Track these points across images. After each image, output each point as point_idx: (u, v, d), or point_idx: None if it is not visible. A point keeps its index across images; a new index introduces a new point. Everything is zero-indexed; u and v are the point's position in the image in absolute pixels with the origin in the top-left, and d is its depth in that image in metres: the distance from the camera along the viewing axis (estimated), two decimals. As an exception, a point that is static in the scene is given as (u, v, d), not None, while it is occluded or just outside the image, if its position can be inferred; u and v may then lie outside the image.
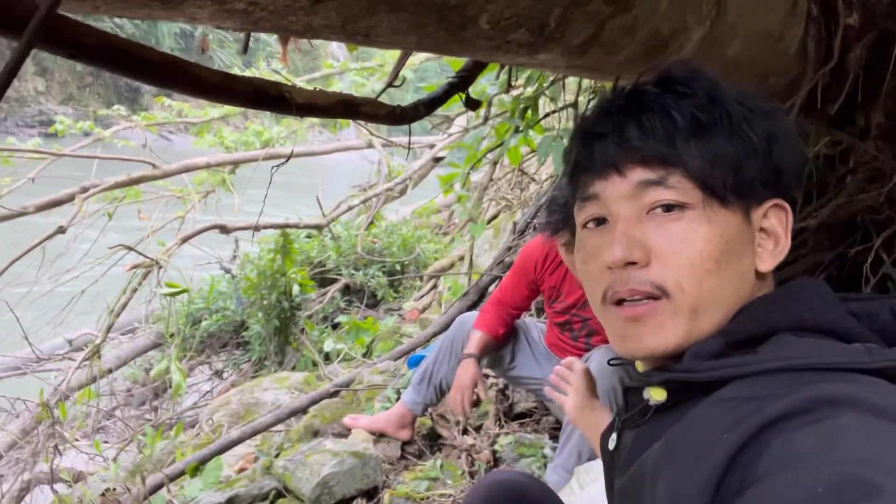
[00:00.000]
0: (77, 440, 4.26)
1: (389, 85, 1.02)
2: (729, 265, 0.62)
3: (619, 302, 0.65)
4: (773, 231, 0.65)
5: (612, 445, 0.74)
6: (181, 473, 2.13)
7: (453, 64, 2.83)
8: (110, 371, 4.31)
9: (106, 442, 4.60)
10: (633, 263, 0.63)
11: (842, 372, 0.53)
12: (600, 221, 0.67)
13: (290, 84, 0.73)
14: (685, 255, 0.61)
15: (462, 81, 1.06)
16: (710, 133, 0.62)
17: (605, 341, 1.87)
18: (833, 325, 0.60)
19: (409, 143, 1.30)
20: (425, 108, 0.98)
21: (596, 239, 0.67)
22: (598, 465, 1.66)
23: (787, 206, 0.65)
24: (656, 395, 0.64)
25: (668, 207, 0.62)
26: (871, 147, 1.99)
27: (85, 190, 4.40)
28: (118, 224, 5.84)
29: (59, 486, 2.68)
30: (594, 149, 0.66)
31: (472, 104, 1.11)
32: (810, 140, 2.12)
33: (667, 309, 0.62)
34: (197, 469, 2.15)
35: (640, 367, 0.76)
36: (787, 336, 0.59)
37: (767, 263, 0.65)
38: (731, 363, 0.58)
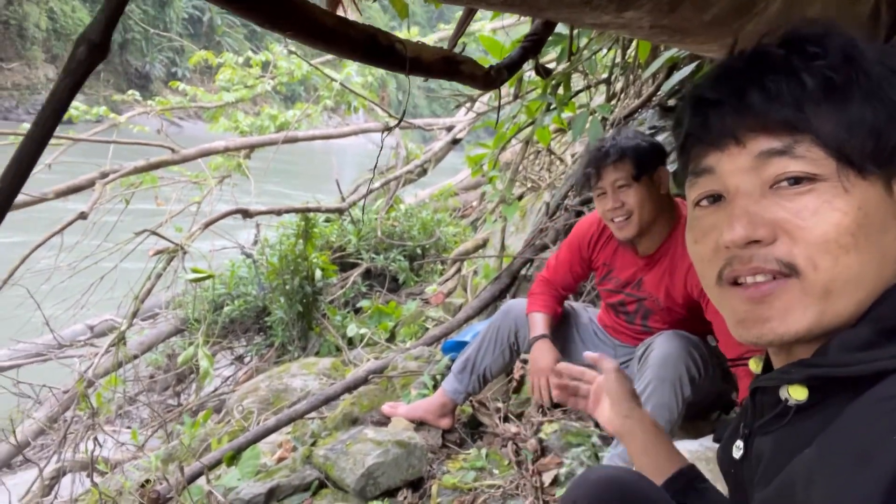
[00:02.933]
0: (100, 426, 4.26)
1: (451, 48, 0.93)
2: (869, 241, 0.55)
3: (738, 282, 0.58)
4: None
5: (737, 454, 0.66)
6: (218, 462, 2.09)
7: (486, 41, 2.73)
8: (136, 357, 4.29)
9: (129, 427, 4.60)
10: (757, 242, 0.56)
11: None
12: (715, 198, 0.60)
13: (398, 37, 0.64)
14: (818, 230, 0.54)
15: (534, 45, 0.98)
16: (846, 96, 0.55)
17: (665, 323, 1.79)
18: None
19: (498, 114, 1.21)
20: (507, 70, 0.90)
21: (711, 217, 0.60)
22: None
23: None
24: (796, 394, 0.56)
25: (796, 180, 0.55)
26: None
27: (105, 175, 4.35)
28: (135, 209, 5.80)
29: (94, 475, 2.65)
30: (709, 117, 0.59)
31: (544, 71, 1.02)
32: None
33: (795, 288, 0.55)
34: (233, 458, 2.10)
35: (754, 365, 0.69)
36: None
37: None
38: (890, 354, 0.51)
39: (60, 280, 4.94)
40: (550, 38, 2.55)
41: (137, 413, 4.81)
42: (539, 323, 1.91)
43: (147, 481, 1.97)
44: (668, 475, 0.90)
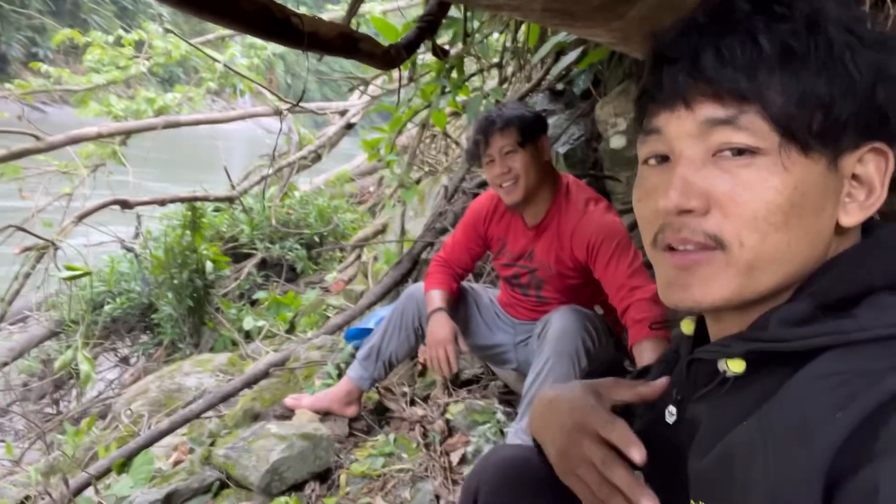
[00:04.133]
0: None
1: (347, 24, 0.90)
2: (801, 220, 0.55)
3: (671, 248, 0.59)
4: (868, 179, 0.56)
5: (670, 419, 0.67)
6: (107, 471, 1.95)
7: (378, 24, 2.69)
8: (5, 364, 3.90)
9: (2, 441, 4.20)
10: (690, 212, 0.56)
11: None
12: (662, 159, 0.60)
13: (294, 10, 0.60)
14: (749, 206, 0.54)
15: (429, 25, 0.96)
16: (802, 65, 0.53)
17: (557, 291, 1.87)
18: None
19: (400, 87, 1.18)
20: (405, 50, 0.88)
21: (655, 177, 0.61)
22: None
23: (890, 151, 0.56)
24: (734, 366, 0.57)
25: (738, 151, 0.55)
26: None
27: (-44, 166, 3.90)
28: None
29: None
30: (663, 75, 0.58)
31: (441, 52, 1.01)
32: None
33: (719, 260, 0.56)
34: (124, 465, 1.97)
35: (686, 327, 0.69)
36: (887, 296, 0.52)
37: (854, 217, 0.57)
38: (828, 329, 0.51)
39: None
40: (445, 20, 2.56)
41: (11, 425, 4.40)
42: (436, 298, 1.93)
43: (27, 498, 1.80)
44: None
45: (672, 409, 0.67)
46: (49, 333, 4.52)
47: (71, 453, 1.92)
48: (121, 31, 6.85)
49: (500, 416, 2.03)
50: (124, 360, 4.95)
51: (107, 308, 4.53)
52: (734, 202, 0.55)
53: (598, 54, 2.52)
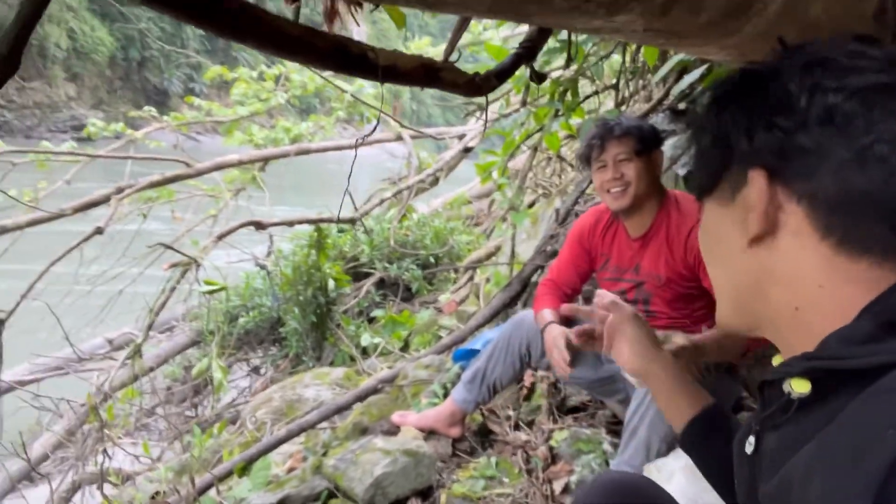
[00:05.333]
0: (120, 438, 4.30)
1: (446, 59, 0.93)
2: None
3: None
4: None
5: (749, 449, 0.67)
6: (229, 473, 2.09)
7: (491, 49, 2.74)
8: (152, 369, 4.33)
9: (149, 440, 4.64)
10: None
11: None
12: None
13: (371, 46, 0.64)
14: None
15: (528, 52, 0.97)
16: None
17: (666, 305, 1.81)
18: None
19: (486, 115, 1.21)
20: (497, 78, 0.90)
21: None
22: (671, 462, 1.56)
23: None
24: (798, 387, 0.57)
25: None
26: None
27: (120, 190, 4.42)
28: (153, 223, 5.87)
29: (106, 487, 2.68)
30: None
31: (538, 77, 1.02)
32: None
33: None
34: (245, 469, 2.11)
35: (775, 361, 0.68)
36: None
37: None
38: (889, 348, 0.51)
39: (80, 295, 5.01)
40: (557, 43, 2.56)
41: (156, 425, 4.85)
42: (546, 315, 1.91)
43: (157, 493, 1.98)
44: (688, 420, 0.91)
45: (751, 438, 0.67)
46: (191, 342, 4.96)
47: (198, 455, 2.08)
48: (263, 67, 7.44)
49: (606, 446, 1.96)
50: (255, 370, 5.32)
51: (241, 321, 4.90)
52: None
53: (723, 71, 2.41)
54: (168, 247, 3.40)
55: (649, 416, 1.61)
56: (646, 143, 1.80)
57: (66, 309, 4.39)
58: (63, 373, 5.18)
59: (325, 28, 1.11)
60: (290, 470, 2.06)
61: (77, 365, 5.16)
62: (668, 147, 2.86)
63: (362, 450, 1.87)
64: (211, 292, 3.37)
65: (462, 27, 0.98)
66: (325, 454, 2.09)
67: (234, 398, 5.02)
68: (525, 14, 0.81)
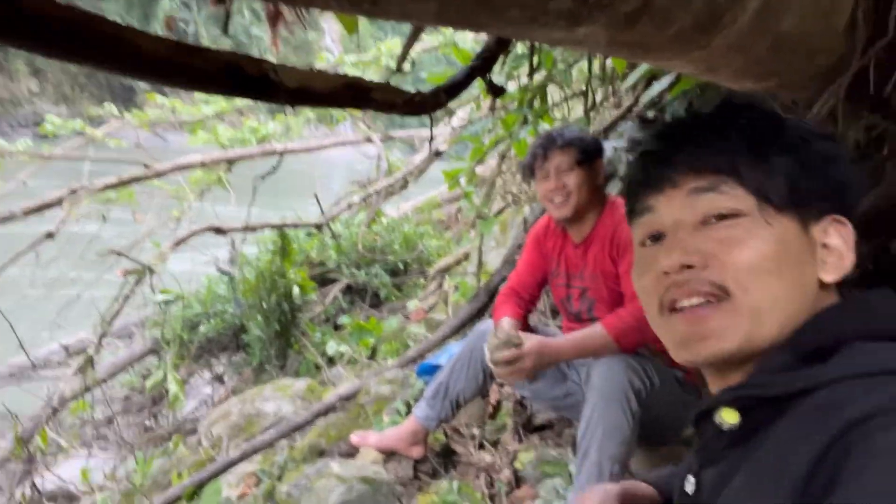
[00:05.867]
0: (73, 449, 4.12)
1: (398, 69, 0.85)
2: (791, 270, 0.62)
3: (677, 308, 0.64)
4: (836, 247, 0.64)
5: (690, 489, 0.69)
6: (177, 499, 1.98)
7: (458, 54, 2.66)
8: (104, 381, 4.15)
9: (105, 450, 4.46)
10: (691, 267, 0.63)
11: None
12: (656, 238, 0.68)
13: (274, 63, 0.55)
14: (744, 256, 0.61)
15: (484, 64, 0.90)
16: (765, 150, 0.64)
17: (609, 310, 1.79)
18: None
19: (431, 135, 1.13)
20: (446, 94, 0.82)
21: (653, 254, 0.67)
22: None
23: (847, 221, 0.65)
24: (728, 417, 0.61)
25: (722, 216, 0.63)
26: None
27: (74, 192, 4.24)
28: (113, 227, 5.67)
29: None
30: (649, 165, 0.69)
31: (495, 90, 0.95)
32: (839, 126, 1.96)
33: (728, 309, 0.61)
34: (195, 494, 2.00)
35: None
36: (858, 344, 0.57)
37: (832, 275, 0.63)
38: (805, 375, 0.56)
39: (36, 299, 4.81)
40: (526, 50, 2.49)
41: (114, 435, 4.67)
42: (503, 324, 1.89)
43: (96, 525, 1.86)
44: None
45: (691, 478, 0.69)
46: (149, 350, 4.78)
47: (139, 483, 1.96)
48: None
49: (573, 467, 1.90)
50: (218, 379, 5.15)
51: (202, 328, 4.74)
52: (729, 255, 0.61)
53: (692, 80, 2.37)
54: (120, 253, 3.25)
55: (597, 437, 1.56)
56: (587, 153, 1.84)
57: (21, 314, 4.20)
58: (17, 380, 4.98)
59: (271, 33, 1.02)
60: (242, 496, 1.96)
61: (32, 372, 4.96)
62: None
63: (318, 475, 1.78)
64: (166, 302, 3.22)
65: (414, 35, 0.90)
66: (280, 478, 1.99)
67: (197, 407, 4.86)
68: (477, 24, 0.73)
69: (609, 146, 3.00)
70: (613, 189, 2.77)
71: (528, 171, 1.93)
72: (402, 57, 0.90)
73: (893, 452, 0.45)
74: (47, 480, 2.91)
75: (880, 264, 2.09)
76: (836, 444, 0.48)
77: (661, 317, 0.66)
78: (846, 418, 0.49)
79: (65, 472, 3.72)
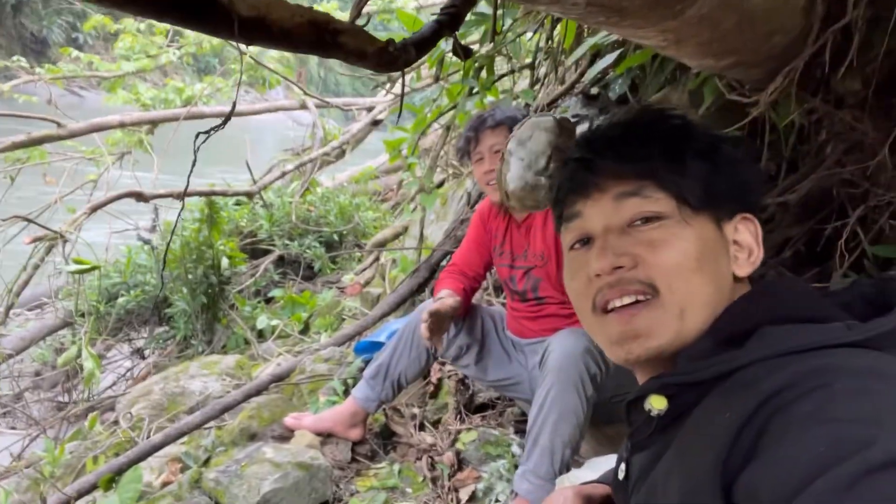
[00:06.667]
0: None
1: (353, 21, 0.74)
2: (710, 266, 0.66)
3: (609, 309, 0.67)
4: (746, 243, 0.69)
5: (621, 475, 0.73)
6: (93, 487, 1.83)
7: (404, 17, 2.53)
8: (11, 356, 3.84)
9: (13, 428, 4.15)
10: (620, 268, 0.66)
11: (826, 349, 0.56)
12: (585, 242, 0.71)
13: None
14: (669, 256, 0.65)
15: (451, 20, 0.80)
16: (681, 154, 0.68)
17: (553, 288, 1.77)
18: (812, 312, 0.62)
19: (403, 96, 1.02)
20: (416, 49, 0.72)
21: (582, 257, 0.70)
22: (587, 475, 1.47)
23: (754, 218, 0.70)
24: (657, 403, 0.64)
25: (647, 219, 0.67)
26: (848, 117, 1.87)
27: (-26, 150, 3.85)
28: (23, 187, 5.24)
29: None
30: (578, 171, 0.72)
31: (463, 51, 0.85)
32: (780, 108, 1.97)
33: (657, 307, 0.65)
34: (112, 481, 1.85)
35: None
36: (770, 328, 0.61)
37: (744, 270, 0.68)
38: (723, 359, 0.60)
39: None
40: (473, 17, 2.39)
41: (24, 412, 4.35)
42: (442, 296, 1.84)
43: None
44: None
45: (622, 466, 0.72)
46: (63, 323, 4.46)
47: (49, 473, 1.80)
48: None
49: (515, 448, 1.87)
50: (138, 353, 4.88)
51: (121, 300, 4.46)
52: (655, 256, 0.65)
53: (637, 58, 2.34)
54: (28, 219, 2.97)
55: (550, 421, 1.52)
56: None
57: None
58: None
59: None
60: (166, 484, 1.82)
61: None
62: (581, 132, 2.80)
63: (249, 460, 1.67)
64: (80, 272, 2.98)
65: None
66: (207, 462, 1.87)
67: (115, 382, 4.59)
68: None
69: (595, 105, 2.96)
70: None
71: (464, 154, 1.89)
72: (356, 12, 0.80)
73: (804, 420, 0.49)
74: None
75: (814, 246, 2.15)
76: (754, 417, 0.51)
77: (594, 317, 0.69)
78: (763, 392, 0.52)
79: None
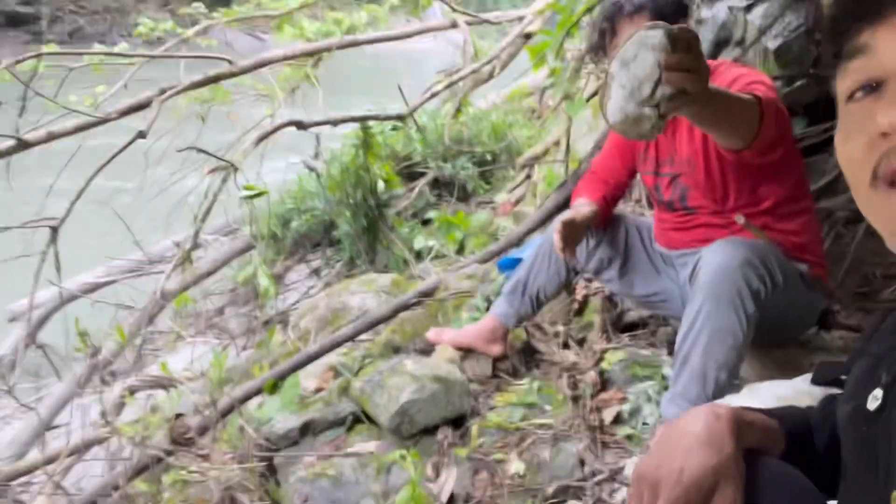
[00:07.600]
0: (192, 337, 4.43)
1: None
2: None
3: None
4: None
5: (873, 405, 0.55)
6: (258, 391, 2.01)
7: None
8: (208, 274, 4.36)
9: (218, 339, 4.76)
10: None
11: None
12: (872, 88, 0.52)
13: None
14: None
15: None
16: None
17: (704, 197, 1.57)
18: None
19: None
20: None
21: (865, 110, 0.52)
22: (742, 399, 1.31)
23: None
24: None
25: None
26: None
27: (163, 92, 4.26)
28: (212, 130, 5.78)
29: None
30: None
31: None
32: None
33: None
34: (276, 385, 2.01)
35: None
36: None
37: None
38: None
39: (146, 200, 5.05)
40: None
41: (225, 324, 4.96)
42: (579, 205, 1.74)
43: (178, 415, 1.92)
44: None
45: (878, 392, 0.56)
46: (247, 246, 4.95)
47: (217, 378, 2.00)
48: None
49: (667, 369, 1.72)
50: (316, 273, 5.31)
51: (294, 224, 4.82)
52: None
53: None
54: (202, 151, 3.26)
55: (702, 340, 1.36)
56: (665, 17, 1.50)
57: (131, 216, 4.43)
58: (137, 274, 5.37)
59: None
60: (318, 390, 1.95)
61: (148, 267, 5.32)
62: (757, 16, 2.42)
63: (391, 372, 1.72)
64: (251, 197, 3.24)
65: None
66: (357, 373, 1.96)
67: (298, 300, 5.05)
68: None
69: (722, 7, 2.58)
70: (728, 58, 2.39)
71: (599, 51, 1.65)
72: None
73: None
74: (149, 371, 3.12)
75: None
76: None
77: (873, 192, 0.52)
78: None
79: (179, 359, 4.02)
